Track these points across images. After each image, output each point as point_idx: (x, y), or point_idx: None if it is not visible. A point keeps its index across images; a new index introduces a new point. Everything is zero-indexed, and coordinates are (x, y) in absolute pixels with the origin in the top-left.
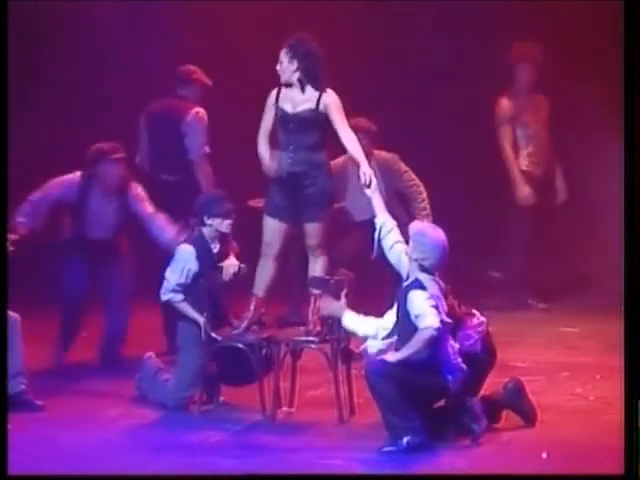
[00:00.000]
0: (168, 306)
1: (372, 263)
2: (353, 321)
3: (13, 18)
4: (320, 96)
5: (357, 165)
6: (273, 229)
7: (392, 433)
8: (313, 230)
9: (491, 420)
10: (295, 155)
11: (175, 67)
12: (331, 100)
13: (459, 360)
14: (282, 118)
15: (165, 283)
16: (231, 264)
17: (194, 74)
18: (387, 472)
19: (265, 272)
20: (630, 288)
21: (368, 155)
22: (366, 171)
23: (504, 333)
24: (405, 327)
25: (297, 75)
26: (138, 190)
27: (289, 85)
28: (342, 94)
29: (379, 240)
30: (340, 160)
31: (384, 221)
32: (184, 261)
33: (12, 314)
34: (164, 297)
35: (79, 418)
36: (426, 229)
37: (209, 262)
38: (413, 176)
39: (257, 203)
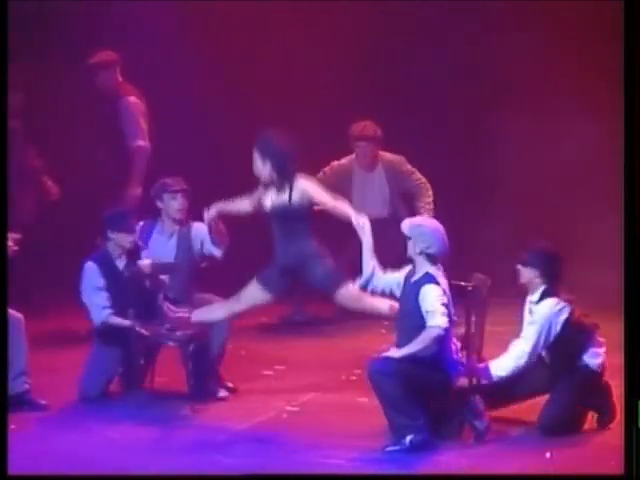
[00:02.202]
0: (105, 329)
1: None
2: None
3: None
4: (292, 188)
5: (363, 167)
6: (254, 296)
7: (395, 432)
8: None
9: (576, 426)
10: (285, 248)
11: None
12: (304, 185)
13: (460, 355)
14: (264, 213)
15: (91, 309)
16: (146, 264)
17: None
18: (391, 472)
19: (214, 313)
20: (630, 288)
21: (374, 158)
22: (359, 219)
23: (508, 332)
24: (413, 321)
25: (270, 174)
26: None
27: (268, 184)
28: (346, 95)
29: (374, 290)
30: (345, 160)
31: (373, 267)
32: (89, 278)
33: (15, 314)
34: (98, 322)
35: (79, 418)
36: (420, 220)
37: (114, 276)
38: (419, 175)
39: None
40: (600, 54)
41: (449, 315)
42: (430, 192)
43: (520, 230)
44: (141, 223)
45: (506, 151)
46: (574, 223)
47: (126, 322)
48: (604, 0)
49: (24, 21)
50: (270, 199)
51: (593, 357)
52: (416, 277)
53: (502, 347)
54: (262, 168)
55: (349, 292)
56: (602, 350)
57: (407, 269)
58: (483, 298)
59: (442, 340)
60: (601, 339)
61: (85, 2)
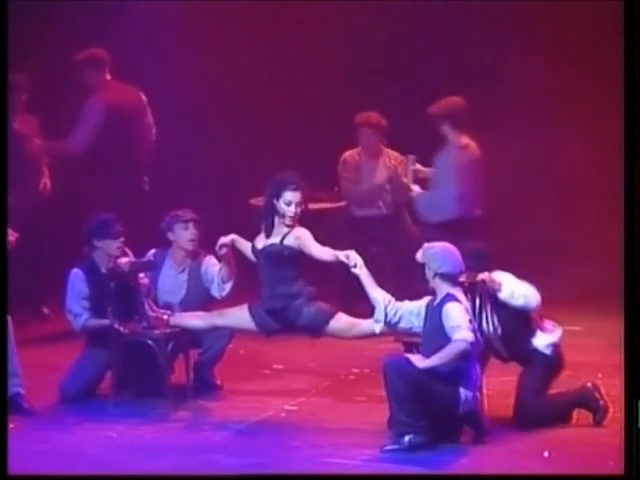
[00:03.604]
0: (86, 332)
1: (373, 257)
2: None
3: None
4: (289, 232)
5: (371, 159)
6: (239, 319)
7: (396, 430)
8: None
9: (562, 419)
10: (271, 291)
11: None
12: (300, 232)
13: (477, 388)
14: (253, 254)
15: (69, 317)
16: (125, 262)
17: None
18: (389, 471)
19: (193, 321)
20: (630, 287)
21: (377, 146)
22: (349, 254)
23: None
24: (439, 342)
25: (293, 214)
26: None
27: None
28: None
29: (394, 324)
30: (354, 152)
31: (383, 299)
32: (73, 286)
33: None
34: (78, 329)
35: (79, 418)
36: (433, 243)
37: (101, 284)
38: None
39: (259, 202)
40: (600, 56)
41: (474, 332)
42: None
43: (520, 230)
44: (152, 251)
45: (506, 152)
46: (574, 223)
47: (104, 321)
48: (604, 1)
49: (24, 21)
50: (262, 241)
51: (542, 340)
52: (437, 301)
53: None
54: (293, 206)
55: (341, 322)
56: (554, 334)
57: (427, 299)
58: (480, 296)
59: (467, 357)
60: (551, 325)
61: (86, 2)
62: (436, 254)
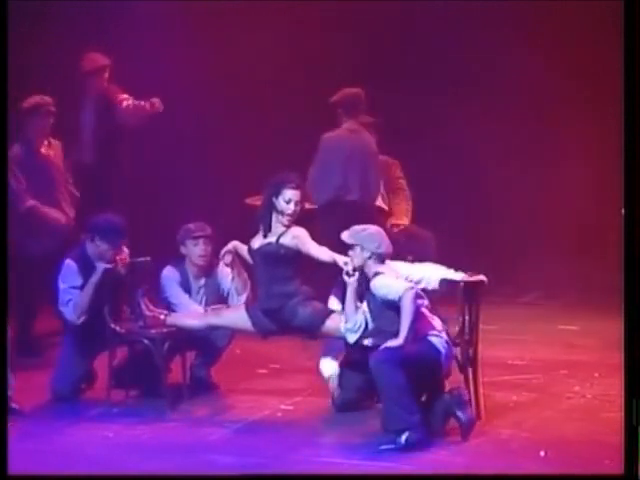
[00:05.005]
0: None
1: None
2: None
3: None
4: (285, 232)
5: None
6: (236, 320)
7: (392, 427)
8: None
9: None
10: (267, 290)
11: None
12: (298, 232)
13: (446, 336)
14: (249, 254)
15: (63, 308)
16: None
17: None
18: (386, 471)
19: (189, 321)
20: (630, 286)
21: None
22: (348, 262)
23: (503, 331)
24: (388, 312)
25: (293, 212)
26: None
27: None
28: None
29: (364, 331)
30: None
31: (363, 311)
32: (66, 276)
33: None
34: (76, 320)
35: (76, 418)
36: (363, 226)
37: (89, 277)
38: (405, 185)
39: (256, 201)
40: (600, 56)
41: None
42: (410, 202)
43: (519, 230)
44: (168, 267)
45: (507, 152)
46: (574, 223)
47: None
48: (604, 1)
49: (24, 21)
50: (258, 241)
51: None
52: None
53: (497, 345)
54: (292, 204)
55: (336, 322)
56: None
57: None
58: (477, 295)
59: (419, 316)
60: None
61: (86, 2)
62: (373, 235)
